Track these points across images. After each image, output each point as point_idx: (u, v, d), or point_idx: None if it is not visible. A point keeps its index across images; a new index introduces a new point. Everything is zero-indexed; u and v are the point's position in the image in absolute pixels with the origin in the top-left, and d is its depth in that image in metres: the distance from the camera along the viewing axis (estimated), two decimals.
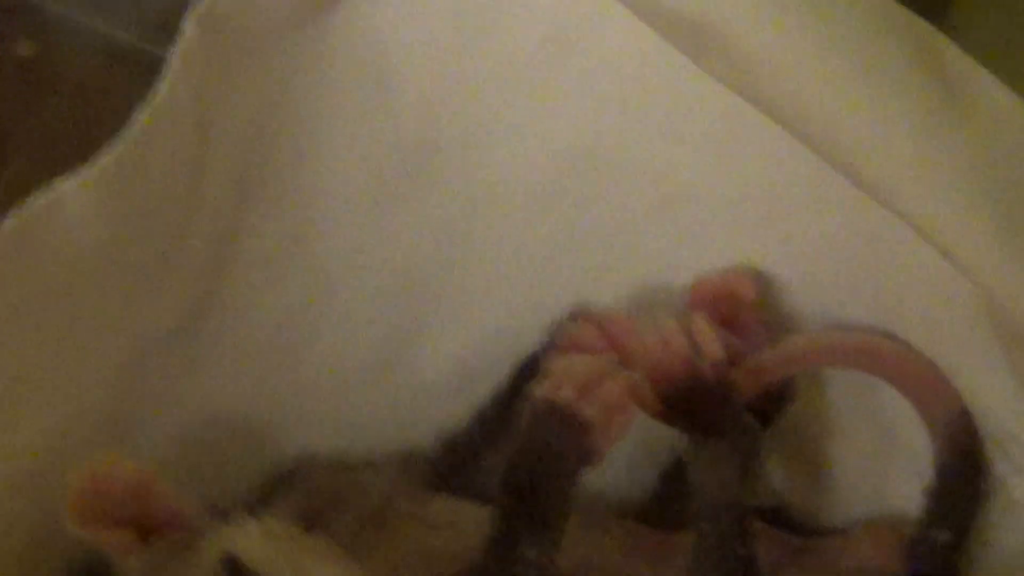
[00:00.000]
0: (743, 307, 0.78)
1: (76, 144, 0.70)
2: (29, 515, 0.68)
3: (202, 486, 0.73)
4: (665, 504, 0.86)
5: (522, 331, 0.80)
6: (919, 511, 0.79)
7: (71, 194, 0.67)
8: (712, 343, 0.72)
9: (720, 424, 0.73)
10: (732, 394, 0.73)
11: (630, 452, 0.87)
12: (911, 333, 0.76)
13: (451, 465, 0.82)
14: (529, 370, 0.78)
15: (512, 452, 0.69)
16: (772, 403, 0.81)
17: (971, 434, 0.76)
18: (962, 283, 0.68)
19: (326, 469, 0.81)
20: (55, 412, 0.69)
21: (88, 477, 0.63)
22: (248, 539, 0.64)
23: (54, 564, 0.69)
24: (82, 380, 0.71)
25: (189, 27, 0.68)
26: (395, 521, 0.76)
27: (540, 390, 0.69)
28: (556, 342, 0.77)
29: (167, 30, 0.69)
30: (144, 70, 0.72)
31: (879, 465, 0.83)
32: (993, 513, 0.77)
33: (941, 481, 0.77)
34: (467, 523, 0.76)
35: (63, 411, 0.70)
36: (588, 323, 0.76)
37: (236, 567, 0.62)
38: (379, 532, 0.75)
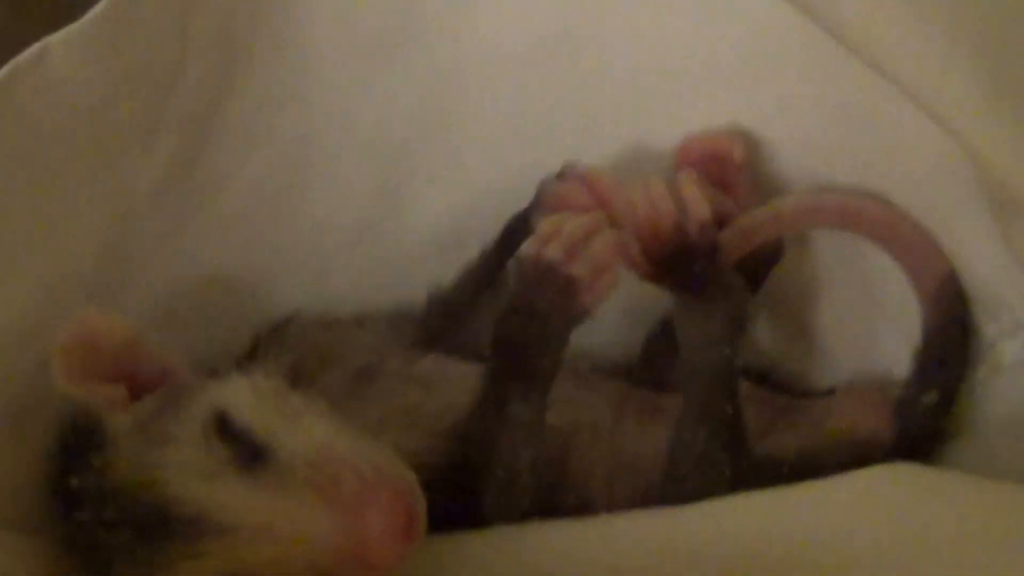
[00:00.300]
0: (731, 167, 0.78)
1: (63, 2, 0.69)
2: (20, 374, 0.68)
3: (191, 344, 0.74)
4: (652, 365, 0.86)
5: (509, 191, 0.79)
6: (906, 373, 0.80)
7: (58, 49, 0.67)
8: (699, 203, 0.72)
9: (707, 284, 0.73)
10: (719, 254, 0.73)
11: (618, 313, 0.87)
12: (900, 196, 0.76)
13: (439, 323, 0.83)
14: (517, 229, 0.79)
15: (501, 311, 0.70)
16: (760, 264, 0.81)
17: (959, 297, 0.76)
18: (951, 146, 0.67)
19: (314, 326, 0.81)
20: (45, 269, 0.69)
21: (76, 334, 0.63)
22: (237, 395, 0.65)
23: (46, 422, 0.68)
24: (71, 237, 0.71)
25: None
26: (383, 378, 0.77)
27: (528, 248, 0.69)
28: (543, 200, 0.77)
29: None
30: None
31: (867, 327, 0.84)
32: (980, 376, 0.78)
33: (929, 343, 0.78)
34: (455, 380, 0.77)
35: (53, 268, 0.70)
36: (575, 181, 0.76)
37: (224, 422, 0.62)
38: (367, 389, 0.76)
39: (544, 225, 0.70)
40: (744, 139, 0.78)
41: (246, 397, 0.65)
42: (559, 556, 0.67)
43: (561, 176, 0.77)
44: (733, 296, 0.74)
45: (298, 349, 0.78)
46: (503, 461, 0.70)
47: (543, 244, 0.69)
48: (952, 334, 0.77)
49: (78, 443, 0.66)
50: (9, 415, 0.68)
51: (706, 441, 0.73)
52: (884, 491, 0.67)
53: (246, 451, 0.61)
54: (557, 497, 0.75)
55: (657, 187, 0.72)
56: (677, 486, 0.73)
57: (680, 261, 0.73)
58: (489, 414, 0.70)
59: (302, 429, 0.63)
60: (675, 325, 0.75)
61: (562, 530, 0.69)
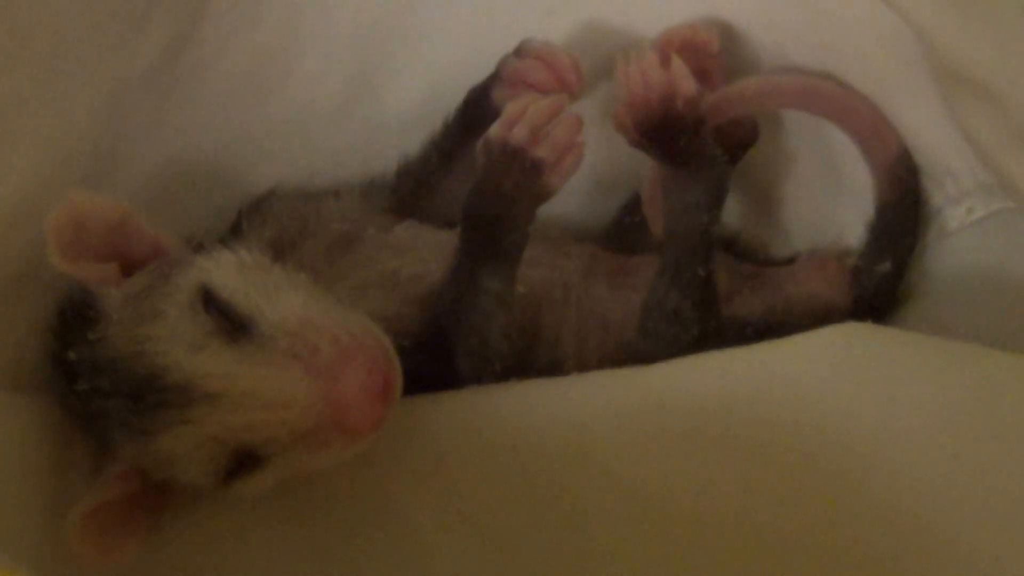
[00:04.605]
0: (707, 56, 0.80)
1: None
2: (18, 254, 0.70)
3: (179, 221, 0.76)
4: (624, 232, 0.90)
5: (476, 69, 0.81)
6: (861, 243, 0.83)
7: None
8: (687, 80, 0.74)
9: (691, 155, 0.75)
10: (703, 127, 0.75)
11: (587, 186, 0.90)
12: (853, 74, 0.78)
13: (410, 192, 0.85)
14: (478, 100, 0.81)
15: (470, 191, 0.73)
16: (737, 145, 0.85)
17: (911, 173, 0.80)
18: (901, 27, 0.69)
19: (293, 198, 0.83)
20: (41, 152, 0.71)
21: (67, 214, 0.65)
22: (221, 270, 0.67)
23: (43, 299, 0.72)
24: (67, 119, 0.72)
25: None
26: (361, 246, 0.80)
27: (495, 131, 0.72)
28: (502, 75, 0.79)
29: None
30: None
31: (826, 201, 0.87)
32: (927, 241, 0.81)
33: (882, 216, 0.82)
34: (429, 247, 0.80)
35: (48, 151, 0.71)
36: (532, 57, 0.77)
37: (209, 296, 0.65)
38: (346, 256, 0.79)
39: (510, 108, 0.72)
40: (719, 30, 0.80)
41: (229, 271, 0.67)
42: (532, 414, 0.70)
43: (517, 53, 0.78)
44: (714, 168, 0.76)
45: (278, 221, 0.80)
46: (476, 330, 0.74)
47: (509, 127, 0.71)
48: (905, 208, 0.80)
49: (75, 318, 0.68)
50: (9, 293, 0.70)
51: (678, 299, 0.76)
52: (842, 349, 0.69)
53: (230, 323, 0.64)
54: (530, 357, 0.78)
55: (649, 58, 0.74)
56: (647, 342, 0.77)
57: (667, 131, 0.75)
58: (461, 287, 0.73)
59: (282, 300, 0.65)
60: (644, 195, 0.79)
61: (534, 389, 0.72)
